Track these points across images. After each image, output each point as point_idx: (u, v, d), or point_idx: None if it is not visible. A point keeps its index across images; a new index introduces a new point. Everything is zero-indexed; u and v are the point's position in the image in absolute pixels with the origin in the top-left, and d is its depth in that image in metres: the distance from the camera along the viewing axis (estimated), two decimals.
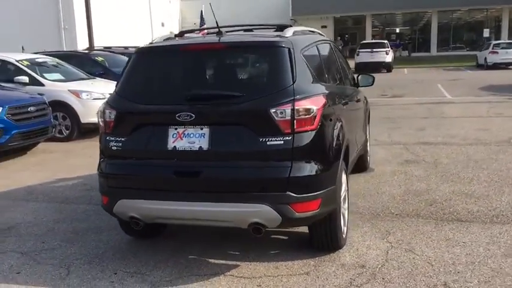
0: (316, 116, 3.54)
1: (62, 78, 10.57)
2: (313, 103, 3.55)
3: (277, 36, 3.87)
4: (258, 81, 3.66)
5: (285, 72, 3.56)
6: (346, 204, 4.39)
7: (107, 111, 3.77)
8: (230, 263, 3.98)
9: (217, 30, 4.09)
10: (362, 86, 6.04)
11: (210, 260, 4.03)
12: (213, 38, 4.00)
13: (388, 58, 27.38)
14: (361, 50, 27.58)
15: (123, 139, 3.70)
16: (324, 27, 39.77)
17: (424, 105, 13.55)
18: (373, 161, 7.18)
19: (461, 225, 4.62)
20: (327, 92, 3.92)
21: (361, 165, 6.48)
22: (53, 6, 28.21)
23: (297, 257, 4.04)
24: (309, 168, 3.51)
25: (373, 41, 31.72)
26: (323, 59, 4.40)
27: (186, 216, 3.65)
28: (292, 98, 3.45)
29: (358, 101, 5.42)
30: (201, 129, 3.53)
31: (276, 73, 3.61)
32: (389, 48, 27.83)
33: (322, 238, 3.97)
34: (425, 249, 4.11)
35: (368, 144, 6.90)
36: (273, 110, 3.41)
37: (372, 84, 6.14)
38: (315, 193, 3.55)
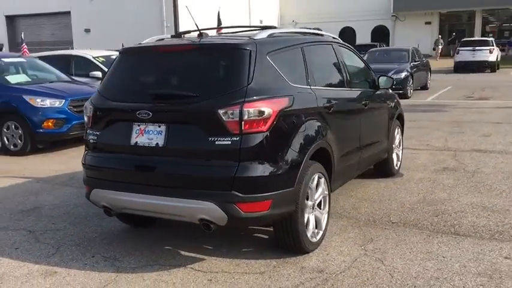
0: (269, 118, 3.58)
1: None
2: (268, 105, 3.59)
3: (243, 38, 3.95)
4: (214, 82, 3.74)
5: (240, 74, 3.64)
6: (326, 209, 4.34)
7: (88, 107, 4.11)
8: (198, 256, 4.13)
9: (213, 30, 4.26)
10: (382, 88, 5.86)
11: (181, 252, 4.22)
12: (183, 40, 4.19)
13: (492, 57, 25.49)
14: (461, 48, 25.96)
15: (98, 133, 4.02)
16: (427, 23, 38.09)
17: (507, 109, 12.56)
18: (408, 166, 6.93)
19: (454, 239, 4.36)
20: (295, 94, 3.92)
21: (384, 170, 6.31)
22: (157, 6, 29.98)
23: (265, 256, 4.09)
24: (258, 169, 3.56)
25: (476, 38, 29.69)
26: (309, 62, 4.36)
27: (145, 209, 3.87)
28: (243, 99, 3.52)
29: (366, 104, 5.27)
30: (159, 126, 3.73)
31: (231, 74, 3.69)
32: (494, 47, 25.89)
33: (285, 240, 4.00)
34: (396, 260, 3.97)
35: (399, 148, 6.66)
36: (221, 111, 3.50)
37: (391, 86, 5.93)
38: (264, 194, 3.59)
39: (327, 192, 4.34)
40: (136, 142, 3.79)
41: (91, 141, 4.08)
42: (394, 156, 6.48)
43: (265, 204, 3.60)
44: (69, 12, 32.96)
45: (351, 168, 5.02)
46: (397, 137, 6.57)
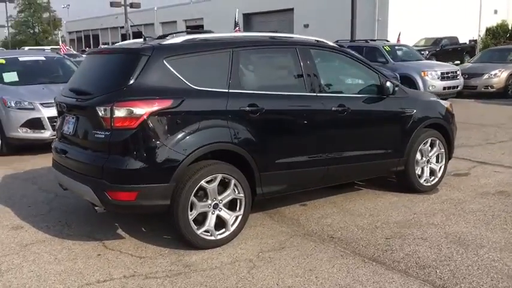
0: (139, 117, 3.94)
1: None
2: (140, 105, 3.95)
3: (149, 43, 4.34)
4: (107, 82, 4.20)
5: (125, 76, 4.09)
6: (241, 211, 4.44)
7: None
8: (123, 235, 4.69)
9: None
10: (391, 95, 5.37)
11: (117, 230, 4.81)
12: (115, 45, 4.81)
13: None
14: None
15: (57, 121, 4.94)
16: None
17: None
18: (462, 184, 6.20)
19: (358, 263, 4.01)
20: (190, 96, 4.15)
21: (404, 184, 5.85)
22: (370, 1, 29.79)
23: (171, 245, 4.41)
24: (124, 162, 3.97)
25: None
26: (239, 65, 4.47)
27: (69, 188, 4.63)
28: (117, 99, 3.97)
29: (345, 111, 4.97)
30: (73, 118, 4.45)
31: (119, 76, 4.16)
32: None
33: (175, 231, 4.29)
34: (266, 271, 3.90)
35: (437, 163, 5.95)
36: (99, 108, 4.02)
37: (393, 93, 5.35)
38: (130, 185, 3.99)
39: (242, 195, 4.42)
40: (63, 130, 4.60)
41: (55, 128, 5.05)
42: (424, 170, 5.85)
43: (131, 194, 4.00)
44: (292, 9, 35.20)
45: (304, 175, 4.86)
46: (434, 149, 5.88)
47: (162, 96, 4.07)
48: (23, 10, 79.58)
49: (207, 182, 4.24)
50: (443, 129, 5.95)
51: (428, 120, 5.75)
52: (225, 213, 4.38)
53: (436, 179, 5.98)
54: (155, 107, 4.01)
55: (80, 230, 4.86)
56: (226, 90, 4.39)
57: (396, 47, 15.79)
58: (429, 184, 5.92)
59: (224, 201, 4.36)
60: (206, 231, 4.30)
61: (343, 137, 5.09)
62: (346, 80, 5.51)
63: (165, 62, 4.18)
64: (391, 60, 14.41)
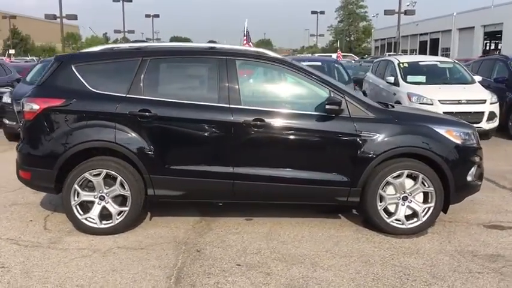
0: (35, 112, 4.72)
1: None
2: (36, 102, 4.74)
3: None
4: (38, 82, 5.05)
5: (42, 78, 4.94)
6: (127, 208, 4.77)
7: None
8: None
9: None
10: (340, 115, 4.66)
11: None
12: None
13: None
14: None
15: None
16: None
17: None
18: (469, 238, 4.91)
19: (159, 279, 3.92)
20: (83, 98, 4.70)
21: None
22: None
23: None
24: (24, 147, 4.85)
25: None
26: (144, 74, 4.75)
27: None
28: (28, 96, 4.87)
29: (262, 126, 4.61)
30: None
31: (41, 77, 4.99)
32: None
33: None
34: (76, 260, 4.25)
35: (423, 204, 4.84)
36: (21, 101, 4.98)
37: (330, 113, 4.55)
38: (26, 167, 4.85)
39: (128, 193, 4.74)
40: None
41: None
42: (399, 208, 4.84)
43: (27, 174, 4.86)
44: None
45: (205, 185, 4.74)
46: (416, 185, 4.79)
47: (55, 95, 4.77)
48: (342, 20, 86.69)
49: (94, 176, 4.74)
50: (433, 162, 4.73)
51: (399, 148, 4.71)
52: (110, 206, 4.78)
53: (419, 223, 4.83)
54: (47, 104, 4.74)
55: (55, 200, 5.85)
56: (124, 95, 4.75)
57: None
58: (404, 227, 4.82)
59: (111, 195, 4.77)
60: (92, 218, 4.80)
61: (258, 153, 4.74)
62: (282, 94, 4.99)
63: (73, 67, 4.85)
64: None
